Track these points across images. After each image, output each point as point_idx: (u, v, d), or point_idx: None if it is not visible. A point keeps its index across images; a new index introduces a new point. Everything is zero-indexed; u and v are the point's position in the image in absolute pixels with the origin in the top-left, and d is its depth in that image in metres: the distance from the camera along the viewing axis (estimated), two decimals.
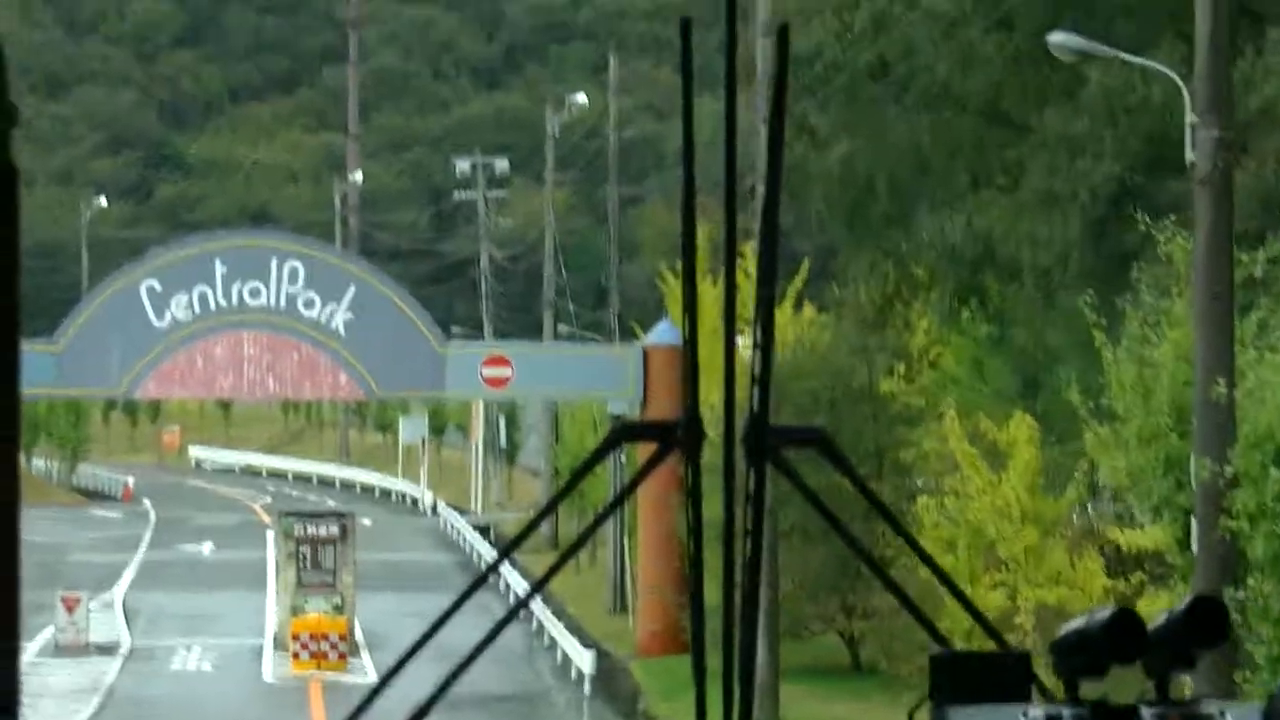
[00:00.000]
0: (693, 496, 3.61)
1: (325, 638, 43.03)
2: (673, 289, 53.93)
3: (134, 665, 44.98)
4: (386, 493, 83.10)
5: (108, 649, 46.83)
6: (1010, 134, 40.87)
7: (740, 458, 3.54)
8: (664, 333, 48.02)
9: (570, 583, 51.84)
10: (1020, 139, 40.21)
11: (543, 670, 45.44)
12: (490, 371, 48.09)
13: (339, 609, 44.82)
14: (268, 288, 46.85)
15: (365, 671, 41.89)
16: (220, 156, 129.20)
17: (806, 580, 41.01)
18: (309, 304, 47.11)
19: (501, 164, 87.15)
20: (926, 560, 4.28)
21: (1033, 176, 38.81)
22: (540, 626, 48.53)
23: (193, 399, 61.11)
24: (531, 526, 4.35)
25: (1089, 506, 40.31)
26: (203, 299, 47.01)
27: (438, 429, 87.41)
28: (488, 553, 39.70)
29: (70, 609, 46.49)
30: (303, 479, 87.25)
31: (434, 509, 77.43)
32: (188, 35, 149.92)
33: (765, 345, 3.61)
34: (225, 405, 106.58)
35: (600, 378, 48.93)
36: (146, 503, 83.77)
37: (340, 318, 47.02)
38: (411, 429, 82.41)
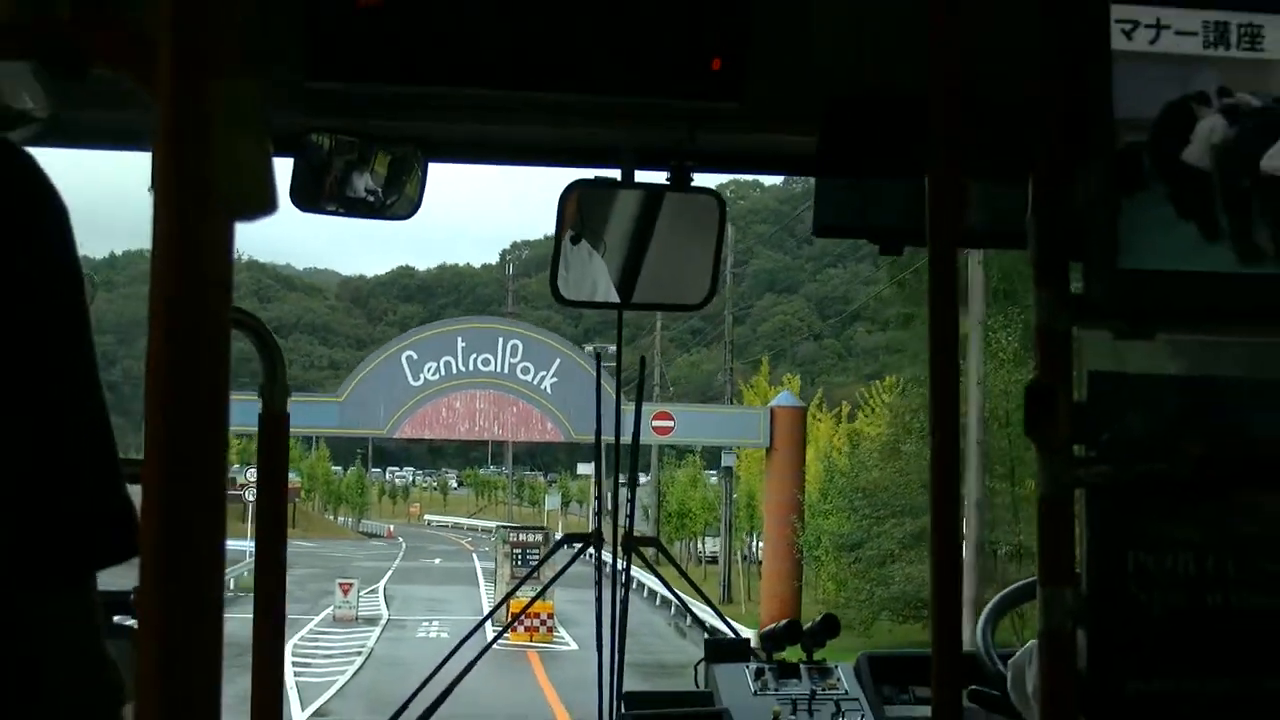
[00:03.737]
0: (597, 571, 3.99)
1: (537, 615, 33.49)
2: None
3: (390, 633, 35.53)
4: None
5: (372, 621, 37.70)
6: None
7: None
8: (785, 398, 39.54)
9: (680, 583, 41.70)
10: None
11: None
12: (659, 423, 38.70)
13: (542, 597, 33.67)
14: (495, 358, 38.64)
15: (566, 641, 33.32)
16: None
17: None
18: (525, 370, 38.68)
19: (610, 347, 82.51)
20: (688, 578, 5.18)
21: None
22: (679, 611, 37.39)
23: (438, 440, 44.39)
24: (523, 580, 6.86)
25: None
26: (447, 365, 38.49)
27: (566, 502, 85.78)
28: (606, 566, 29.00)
29: (345, 592, 38.40)
30: (487, 530, 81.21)
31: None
32: (428, 320, 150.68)
33: (631, 494, 4.08)
34: (444, 491, 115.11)
35: (739, 429, 39.70)
36: (400, 539, 79.97)
37: (548, 381, 38.54)
38: (551, 501, 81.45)
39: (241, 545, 48.49)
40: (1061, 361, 1.84)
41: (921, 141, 1.83)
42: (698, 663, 4.23)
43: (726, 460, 45.16)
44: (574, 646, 32.77)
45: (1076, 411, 1.83)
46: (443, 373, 38.49)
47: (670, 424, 39.04)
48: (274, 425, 2.28)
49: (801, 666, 4.14)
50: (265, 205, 0.98)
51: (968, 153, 1.85)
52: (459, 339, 39.01)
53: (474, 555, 62.59)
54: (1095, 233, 1.85)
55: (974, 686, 2.91)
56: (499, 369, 38.56)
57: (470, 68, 2.27)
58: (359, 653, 31.94)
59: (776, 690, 4.04)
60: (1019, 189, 1.90)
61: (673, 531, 57.10)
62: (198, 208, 0.95)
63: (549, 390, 38.35)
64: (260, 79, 2.12)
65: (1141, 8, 1.93)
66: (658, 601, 42.43)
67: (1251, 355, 2.00)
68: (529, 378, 38.43)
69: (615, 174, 2.52)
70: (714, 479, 56.11)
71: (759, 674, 4.10)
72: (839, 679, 4.07)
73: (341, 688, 27.76)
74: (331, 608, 38.34)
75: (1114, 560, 1.85)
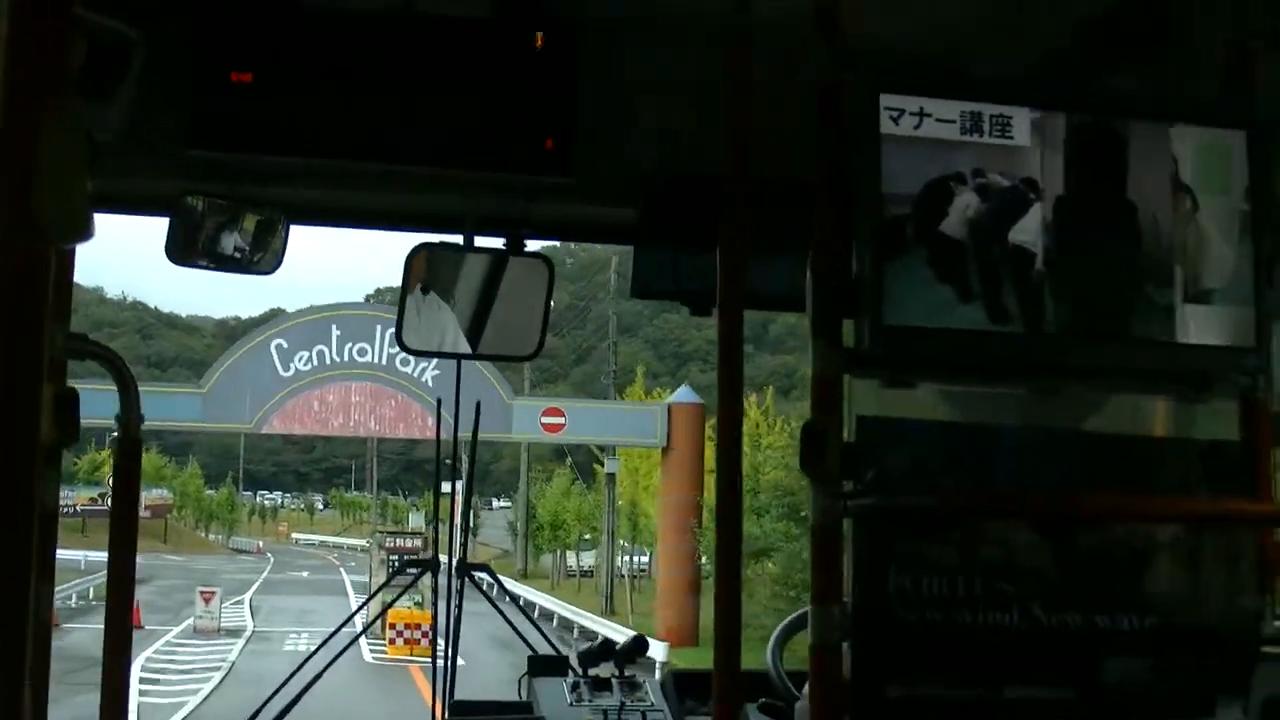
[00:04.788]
0: (434, 595, 4.87)
1: (417, 627, 30.87)
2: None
3: (255, 646, 32.61)
4: None
5: (235, 633, 35.00)
6: None
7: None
8: (684, 394, 37.24)
9: (558, 596, 43.44)
10: None
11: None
12: (548, 420, 35.65)
13: (420, 605, 31.11)
14: (373, 348, 35.16)
15: (446, 655, 27.38)
16: None
17: None
18: (405, 361, 35.26)
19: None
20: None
21: None
22: (563, 623, 36.49)
23: (308, 435, 41.25)
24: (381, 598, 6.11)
25: None
26: (320, 355, 35.13)
27: (430, 521, 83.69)
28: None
29: (207, 601, 35.35)
30: (352, 548, 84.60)
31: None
32: None
33: (465, 523, 4.95)
34: (310, 512, 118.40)
35: (634, 427, 37.02)
36: (269, 555, 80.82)
37: (430, 374, 35.04)
38: (414, 519, 79.46)
39: (104, 556, 47.11)
40: (833, 406, 2.13)
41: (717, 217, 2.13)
42: (521, 676, 4.66)
43: (610, 466, 43.68)
44: (460, 661, 29.17)
45: (845, 450, 2.12)
46: (315, 363, 34.95)
47: (561, 420, 35.78)
48: (128, 449, 2.52)
49: (613, 680, 4.55)
50: (82, 231, 1.11)
51: (755, 226, 2.15)
52: (333, 326, 35.53)
53: (341, 569, 62.73)
54: (864, 293, 2.15)
55: (764, 699, 3.31)
56: (376, 359, 35.22)
57: (328, 141, 2.60)
58: (218, 667, 28.51)
59: (590, 702, 4.48)
60: (800, 258, 2.20)
61: (544, 543, 56.32)
62: (21, 232, 1.05)
63: (430, 383, 34.59)
64: (133, 140, 2.41)
65: (907, 97, 2.24)
66: (536, 613, 39.27)
67: (998, 403, 2.34)
68: (409, 369, 35.18)
69: (458, 239, 2.86)
70: (579, 489, 55.53)
71: (575, 687, 4.54)
72: (647, 692, 4.51)
73: (194, 710, 23.63)
74: (192, 619, 35.21)
75: (877, 582, 2.15)
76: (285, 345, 35.03)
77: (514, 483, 59.76)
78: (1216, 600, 2.31)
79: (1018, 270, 2.24)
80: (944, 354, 2.19)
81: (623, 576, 45.91)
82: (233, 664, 29.10)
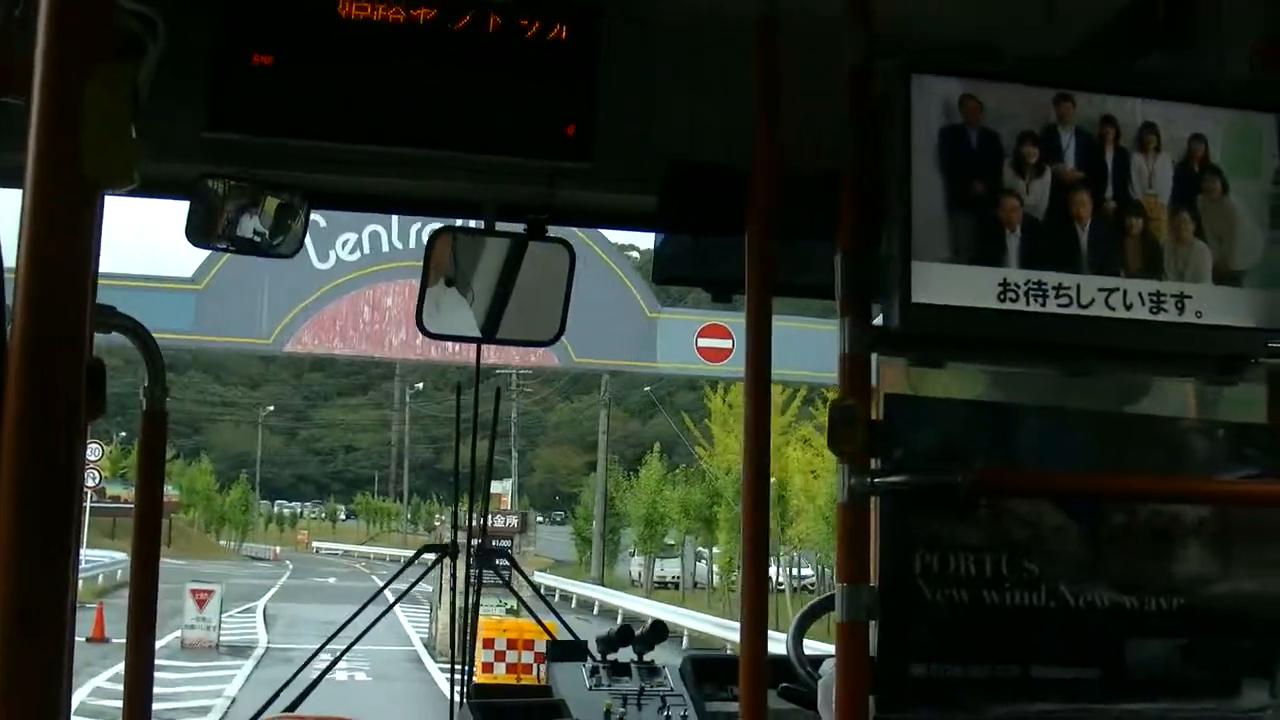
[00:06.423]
0: (454, 579, 5.09)
1: (530, 645, 18.91)
2: None
3: (267, 671, 22.15)
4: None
5: (240, 650, 26.59)
6: None
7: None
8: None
9: (691, 603, 42.46)
10: None
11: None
12: (708, 343, 25.69)
13: (513, 613, 19.94)
14: None
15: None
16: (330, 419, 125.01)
17: None
18: None
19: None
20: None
21: None
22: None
23: (356, 356, 27.41)
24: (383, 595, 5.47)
25: None
26: (374, 240, 24.59)
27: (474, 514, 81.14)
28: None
29: (201, 604, 26.36)
30: (379, 559, 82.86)
31: None
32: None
33: (485, 509, 5.46)
34: (333, 520, 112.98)
35: (827, 357, 24.49)
36: (287, 562, 78.49)
37: None
38: (446, 529, 79.52)
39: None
40: (861, 385, 2.20)
41: (743, 206, 2.21)
42: (541, 664, 4.77)
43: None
44: None
45: (873, 429, 2.19)
46: (366, 250, 24.54)
47: (726, 344, 25.30)
48: (154, 422, 2.61)
49: (632, 666, 4.69)
50: (127, 176, 1.08)
51: (782, 216, 2.23)
52: None
53: (373, 577, 59.08)
54: (892, 271, 2.20)
55: (785, 684, 3.41)
56: None
57: (349, 126, 2.71)
58: (207, 708, 18.22)
59: (609, 686, 4.62)
60: (827, 244, 2.27)
61: (638, 544, 51.85)
62: (67, 179, 1.04)
63: None
64: (157, 122, 2.51)
65: (939, 78, 2.30)
66: (595, 610, 38.68)
67: (1026, 383, 2.42)
68: None
69: (479, 224, 2.97)
70: (678, 477, 50.53)
71: (594, 672, 4.67)
72: (666, 678, 4.65)
73: None
74: (180, 630, 26.07)
75: (904, 561, 2.23)
76: (323, 224, 23.63)
77: (548, 499, 58.00)
78: (1243, 582, 2.38)
79: (1048, 250, 2.30)
80: (972, 333, 2.25)
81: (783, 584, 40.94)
82: (233, 700, 19.17)
